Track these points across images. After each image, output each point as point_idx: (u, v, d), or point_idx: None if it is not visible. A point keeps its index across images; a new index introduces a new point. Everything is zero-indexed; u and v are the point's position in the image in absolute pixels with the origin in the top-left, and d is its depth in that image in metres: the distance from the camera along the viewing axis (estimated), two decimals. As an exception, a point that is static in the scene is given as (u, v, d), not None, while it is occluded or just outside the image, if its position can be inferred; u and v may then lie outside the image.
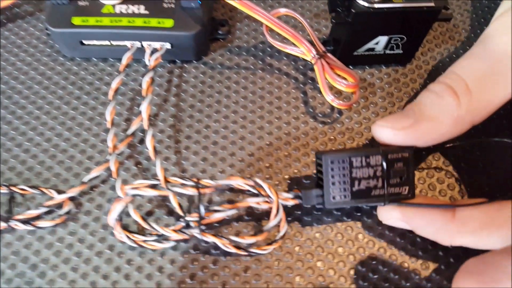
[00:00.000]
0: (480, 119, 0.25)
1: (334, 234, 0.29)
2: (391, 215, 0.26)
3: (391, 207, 0.26)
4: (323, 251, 0.28)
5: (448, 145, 0.29)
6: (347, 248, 0.28)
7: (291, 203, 0.27)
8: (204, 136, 0.32)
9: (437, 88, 0.25)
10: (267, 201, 0.27)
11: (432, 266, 0.28)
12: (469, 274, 0.22)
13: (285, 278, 0.27)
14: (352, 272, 0.28)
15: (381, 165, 0.26)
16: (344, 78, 0.31)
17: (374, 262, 0.28)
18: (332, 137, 0.32)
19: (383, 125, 0.26)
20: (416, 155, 0.30)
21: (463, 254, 0.28)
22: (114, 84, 0.32)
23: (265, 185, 0.27)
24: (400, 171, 0.26)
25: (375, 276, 0.28)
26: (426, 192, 0.30)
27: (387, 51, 0.33)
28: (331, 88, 0.31)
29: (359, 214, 0.29)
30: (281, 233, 0.27)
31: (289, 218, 0.29)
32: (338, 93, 0.34)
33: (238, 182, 0.27)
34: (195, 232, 0.26)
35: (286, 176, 0.31)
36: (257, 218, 0.29)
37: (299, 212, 0.29)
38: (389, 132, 0.25)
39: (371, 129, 0.27)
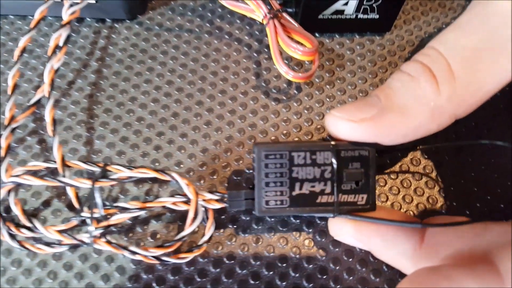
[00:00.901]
0: (465, 111, 0.19)
1: (277, 238, 0.23)
2: (342, 230, 0.20)
3: (343, 220, 0.20)
4: (259, 259, 0.22)
5: (422, 147, 0.23)
6: (291, 255, 0.22)
7: (215, 206, 0.21)
8: (127, 110, 0.26)
9: (411, 69, 0.19)
10: (186, 202, 0.21)
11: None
12: (417, 284, 0.16)
13: (211, 292, 0.21)
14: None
15: (331, 164, 0.20)
16: (302, 44, 0.24)
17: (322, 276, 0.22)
18: (285, 118, 0.26)
19: (338, 115, 0.19)
20: (383, 156, 0.24)
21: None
22: (22, 42, 0.25)
23: (182, 182, 0.21)
24: (356, 174, 0.20)
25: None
26: (399, 206, 0.24)
27: (360, 15, 0.27)
28: (291, 58, 0.25)
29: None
30: (205, 238, 0.21)
31: (222, 217, 0.23)
32: (299, 65, 0.28)
33: (149, 175, 0.21)
34: (85, 237, 0.20)
35: (224, 164, 0.25)
36: (183, 215, 0.23)
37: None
38: (345, 124, 0.19)
39: (324, 120, 0.20)
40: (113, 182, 0.21)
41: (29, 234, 0.21)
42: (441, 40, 0.19)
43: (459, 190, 0.24)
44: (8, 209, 0.22)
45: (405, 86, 0.19)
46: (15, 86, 0.24)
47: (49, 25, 0.29)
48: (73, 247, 0.21)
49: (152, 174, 0.21)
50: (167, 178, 0.21)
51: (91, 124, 0.25)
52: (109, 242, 0.20)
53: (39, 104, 0.25)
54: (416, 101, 0.18)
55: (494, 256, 0.16)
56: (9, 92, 0.24)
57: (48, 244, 0.21)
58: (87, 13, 0.28)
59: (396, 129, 0.19)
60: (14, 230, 0.21)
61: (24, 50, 0.25)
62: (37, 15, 0.26)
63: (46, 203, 0.23)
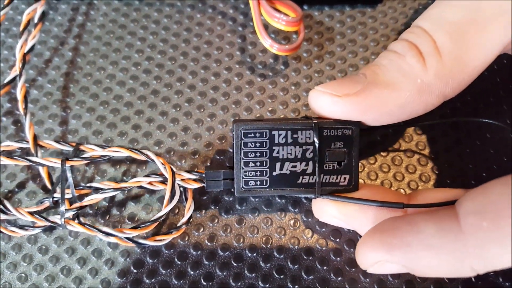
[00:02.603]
0: (453, 90, 0.18)
1: (261, 219, 0.22)
2: (325, 211, 0.19)
3: (325, 201, 0.19)
4: (242, 239, 0.21)
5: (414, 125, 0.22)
6: (276, 237, 0.21)
7: (194, 186, 0.20)
8: (104, 88, 0.25)
9: (397, 46, 0.19)
10: (163, 182, 0.20)
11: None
12: (380, 227, 0.17)
13: (180, 275, 0.21)
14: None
15: (313, 143, 0.19)
16: (286, 15, 0.23)
17: (310, 258, 0.21)
18: (271, 94, 0.25)
19: (321, 90, 0.19)
20: (373, 133, 0.23)
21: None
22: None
23: (158, 161, 0.20)
24: (339, 154, 0.19)
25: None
26: (390, 183, 0.23)
27: (350, -15, 0.26)
28: (278, 33, 0.24)
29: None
30: (184, 219, 0.20)
31: (204, 198, 0.22)
32: (287, 39, 0.26)
33: (122, 154, 0.20)
34: (57, 218, 0.19)
35: (206, 143, 0.23)
36: (163, 196, 0.22)
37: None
38: (327, 99, 0.18)
39: (308, 96, 0.19)
40: (85, 161, 0.20)
41: (2, 216, 0.20)
42: (426, 17, 0.19)
43: (453, 167, 0.23)
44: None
45: (391, 63, 0.18)
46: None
47: (27, 3, 0.28)
48: (47, 230, 0.21)
49: (126, 153, 0.20)
50: (141, 157, 0.20)
51: (66, 103, 0.24)
52: (82, 224, 0.19)
53: (14, 83, 0.24)
54: (402, 76, 0.18)
55: (456, 203, 0.16)
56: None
57: (21, 227, 0.20)
58: (64, -12, 0.27)
59: (381, 105, 0.18)
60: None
61: (-2, 27, 0.24)
62: (11, -10, 0.25)
63: (21, 185, 0.22)
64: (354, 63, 0.26)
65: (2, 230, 0.20)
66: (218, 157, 0.23)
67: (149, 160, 0.20)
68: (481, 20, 0.17)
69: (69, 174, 0.19)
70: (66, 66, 0.25)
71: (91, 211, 0.21)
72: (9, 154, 0.22)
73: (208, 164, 0.23)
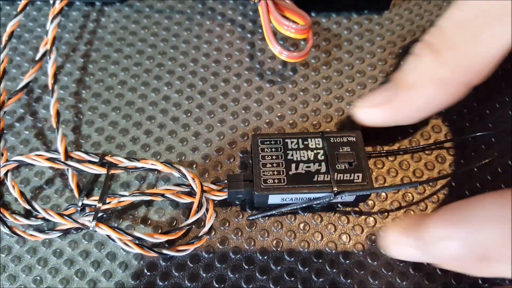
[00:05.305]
0: (478, 78, 0.19)
1: (271, 223, 0.22)
2: (398, 239, 0.18)
3: (395, 230, 0.18)
4: (266, 252, 0.22)
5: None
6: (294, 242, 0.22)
7: (217, 197, 0.21)
8: (116, 94, 0.25)
9: (416, 48, 0.21)
10: (190, 193, 0.21)
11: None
12: (446, 212, 0.17)
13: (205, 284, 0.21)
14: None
15: (323, 147, 0.21)
16: (295, 22, 0.23)
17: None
18: (280, 100, 0.25)
19: (359, 105, 0.21)
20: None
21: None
22: (9, 27, 0.25)
23: (188, 175, 0.21)
24: (348, 155, 0.21)
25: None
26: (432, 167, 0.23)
27: (357, -8, 0.26)
28: (287, 39, 0.24)
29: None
30: (205, 229, 0.21)
31: (215, 202, 0.22)
32: (295, 46, 0.27)
33: (157, 167, 0.21)
34: (87, 220, 0.20)
35: (216, 148, 0.24)
36: (189, 207, 0.22)
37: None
38: (366, 111, 0.21)
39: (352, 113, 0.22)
40: (122, 171, 0.21)
41: (24, 221, 0.21)
42: (442, 17, 0.20)
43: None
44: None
45: (411, 65, 0.20)
46: (4, 71, 0.24)
47: (37, 9, 0.28)
48: (65, 233, 0.21)
49: (160, 167, 0.21)
50: (174, 171, 0.21)
51: (79, 109, 0.25)
52: (111, 227, 0.19)
53: (27, 88, 0.24)
54: (421, 75, 0.20)
55: None
56: (-4, 77, 0.24)
57: (41, 230, 0.21)
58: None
59: (409, 105, 0.20)
60: (8, 216, 0.21)
61: (12, 35, 0.25)
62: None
63: (37, 191, 0.23)
64: (361, 69, 0.26)
65: (23, 235, 0.20)
66: (228, 161, 0.23)
67: (179, 174, 0.21)
68: (491, 15, 0.18)
69: (104, 181, 0.21)
70: (78, 72, 0.26)
71: (105, 215, 0.22)
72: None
73: (218, 168, 0.23)
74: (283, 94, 0.25)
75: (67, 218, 0.20)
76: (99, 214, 0.20)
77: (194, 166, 0.23)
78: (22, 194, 0.21)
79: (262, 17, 0.24)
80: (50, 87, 0.23)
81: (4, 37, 0.24)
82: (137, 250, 0.20)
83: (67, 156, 0.22)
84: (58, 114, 0.23)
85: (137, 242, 0.20)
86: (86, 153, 0.22)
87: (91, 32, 0.27)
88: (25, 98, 0.25)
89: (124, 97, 0.25)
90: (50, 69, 0.24)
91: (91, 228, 0.20)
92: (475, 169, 0.23)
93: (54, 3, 0.25)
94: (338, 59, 0.26)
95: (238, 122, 0.25)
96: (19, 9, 0.25)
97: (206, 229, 0.21)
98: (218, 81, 0.26)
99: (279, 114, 0.25)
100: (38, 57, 0.24)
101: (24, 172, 0.23)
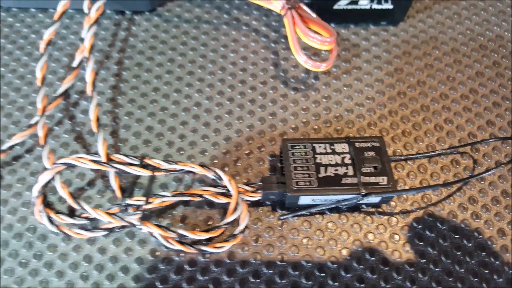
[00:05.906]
0: None
1: (300, 222, 0.24)
2: None
3: None
4: (297, 249, 0.23)
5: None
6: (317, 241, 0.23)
7: (253, 198, 0.22)
8: (151, 100, 0.27)
9: None
10: (225, 194, 0.22)
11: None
12: None
13: (242, 279, 0.22)
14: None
15: (349, 152, 0.23)
16: (319, 34, 0.25)
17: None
18: (305, 107, 0.27)
19: None
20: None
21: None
22: (47, 35, 0.26)
23: (225, 177, 0.22)
24: (372, 159, 0.23)
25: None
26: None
27: (374, 6, 0.28)
28: (308, 48, 0.26)
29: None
30: (240, 227, 0.22)
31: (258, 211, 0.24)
32: (316, 55, 0.28)
33: (194, 170, 0.22)
34: (133, 218, 0.21)
35: (247, 152, 0.25)
36: (223, 207, 0.24)
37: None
38: None
39: None
40: (165, 173, 0.23)
41: (69, 220, 0.22)
42: None
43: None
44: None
45: None
46: (44, 78, 0.25)
47: (70, 17, 0.30)
48: (109, 231, 0.22)
49: (198, 169, 0.22)
50: (210, 173, 0.22)
51: (116, 114, 0.26)
52: (157, 225, 0.21)
53: (64, 95, 0.25)
54: None
55: None
56: (39, 83, 0.25)
57: (86, 229, 0.22)
58: (107, 5, 0.29)
59: None
60: (53, 215, 0.22)
61: (49, 43, 0.26)
62: (60, 8, 0.27)
63: (78, 192, 0.24)
64: (380, 77, 0.28)
65: (69, 233, 0.22)
66: (257, 164, 0.25)
67: (216, 176, 0.22)
68: None
69: (149, 183, 0.22)
70: (113, 79, 0.27)
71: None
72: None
73: (248, 171, 0.25)
74: (307, 100, 0.27)
75: (115, 216, 0.21)
76: (143, 212, 0.22)
77: (226, 168, 0.25)
78: (71, 194, 0.23)
79: (288, 28, 0.26)
80: (89, 93, 0.25)
81: (42, 45, 0.26)
82: (178, 247, 0.21)
83: (108, 159, 0.24)
84: (98, 119, 0.25)
85: (178, 239, 0.22)
86: (126, 155, 0.24)
87: (123, 40, 0.29)
88: (62, 103, 0.26)
89: (158, 103, 0.26)
90: (89, 76, 0.25)
91: (138, 226, 0.21)
92: (487, 173, 0.24)
93: (89, 12, 0.27)
94: (357, 68, 0.28)
95: (266, 127, 0.26)
96: (56, 17, 0.26)
97: (241, 227, 0.22)
98: (245, 88, 0.27)
99: (304, 120, 0.26)
100: (75, 64, 0.26)
101: (66, 174, 0.24)
